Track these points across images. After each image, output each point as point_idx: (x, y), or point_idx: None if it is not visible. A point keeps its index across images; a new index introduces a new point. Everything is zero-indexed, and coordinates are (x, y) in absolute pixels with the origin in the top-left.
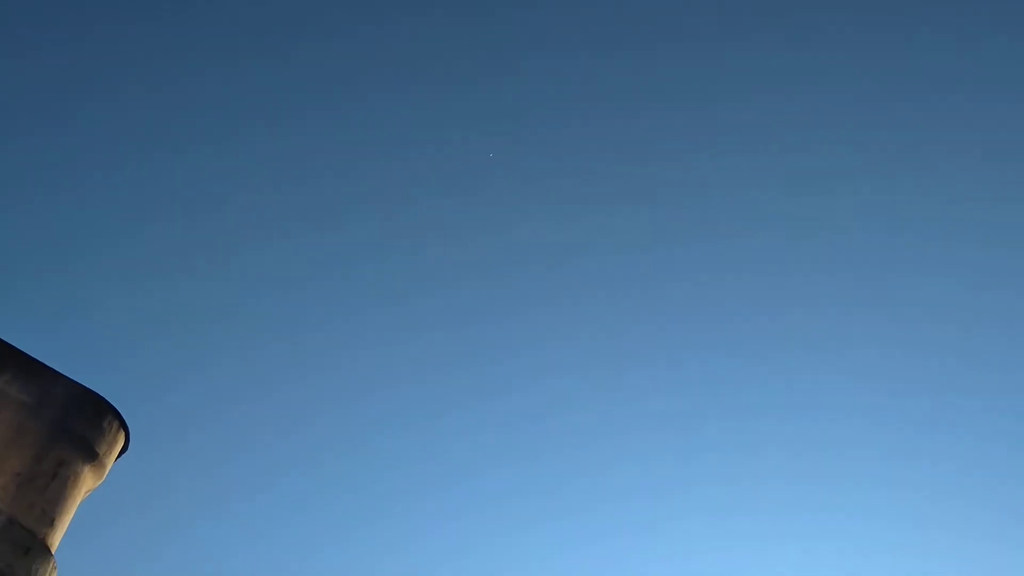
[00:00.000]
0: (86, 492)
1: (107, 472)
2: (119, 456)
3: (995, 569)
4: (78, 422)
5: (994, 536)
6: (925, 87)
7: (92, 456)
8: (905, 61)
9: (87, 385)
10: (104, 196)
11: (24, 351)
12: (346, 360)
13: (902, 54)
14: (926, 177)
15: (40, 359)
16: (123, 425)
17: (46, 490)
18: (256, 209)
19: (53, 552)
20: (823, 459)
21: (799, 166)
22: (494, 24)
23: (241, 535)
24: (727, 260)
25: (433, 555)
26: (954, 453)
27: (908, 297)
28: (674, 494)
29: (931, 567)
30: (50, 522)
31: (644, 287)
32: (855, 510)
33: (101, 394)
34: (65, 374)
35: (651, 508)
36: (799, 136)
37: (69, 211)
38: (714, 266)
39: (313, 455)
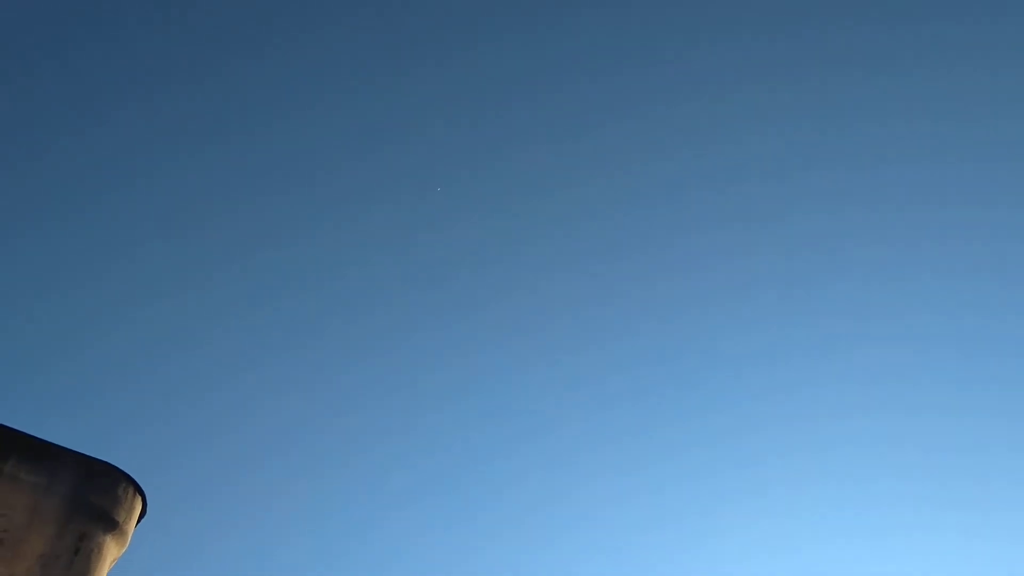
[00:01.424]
0: (112, 561)
1: (129, 538)
2: (139, 520)
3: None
4: (93, 494)
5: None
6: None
7: (112, 525)
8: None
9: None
10: (90, 224)
11: (26, 432)
12: (344, 368)
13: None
14: (928, 183)
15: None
16: (139, 490)
17: (71, 567)
18: (240, 220)
19: None
20: (828, 458)
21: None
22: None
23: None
24: (730, 274)
25: (432, 557)
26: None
27: (907, 295)
28: (676, 498)
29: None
30: None
31: (643, 291)
32: (868, 505)
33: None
34: (73, 449)
35: (651, 508)
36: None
37: (55, 243)
38: (718, 280)
39: (314, 467)
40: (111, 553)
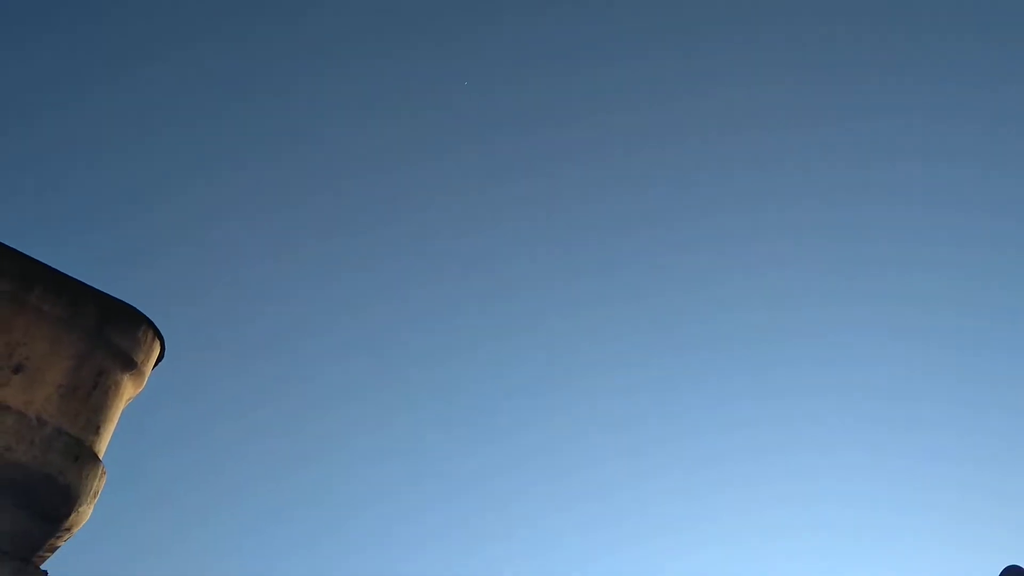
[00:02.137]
0: (127, 400)
1: (146, 380)
2: (156, 364)
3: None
4: (113, 332)
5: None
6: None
7: (131, 365)
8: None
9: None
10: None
11: (52, 265)
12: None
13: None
14: (924, 181)
15: (67, 268)
16: (158, 334)
17: (89, 399)
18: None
19: (101, 458)
20: (816, 454)
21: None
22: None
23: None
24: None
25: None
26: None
27: (902, 290)
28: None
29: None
30: (95, 430)
31: (633, 282)
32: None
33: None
34: (94, 286)
35: (648, 506)
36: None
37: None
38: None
39: (316, 455)
40: (128, 392)
